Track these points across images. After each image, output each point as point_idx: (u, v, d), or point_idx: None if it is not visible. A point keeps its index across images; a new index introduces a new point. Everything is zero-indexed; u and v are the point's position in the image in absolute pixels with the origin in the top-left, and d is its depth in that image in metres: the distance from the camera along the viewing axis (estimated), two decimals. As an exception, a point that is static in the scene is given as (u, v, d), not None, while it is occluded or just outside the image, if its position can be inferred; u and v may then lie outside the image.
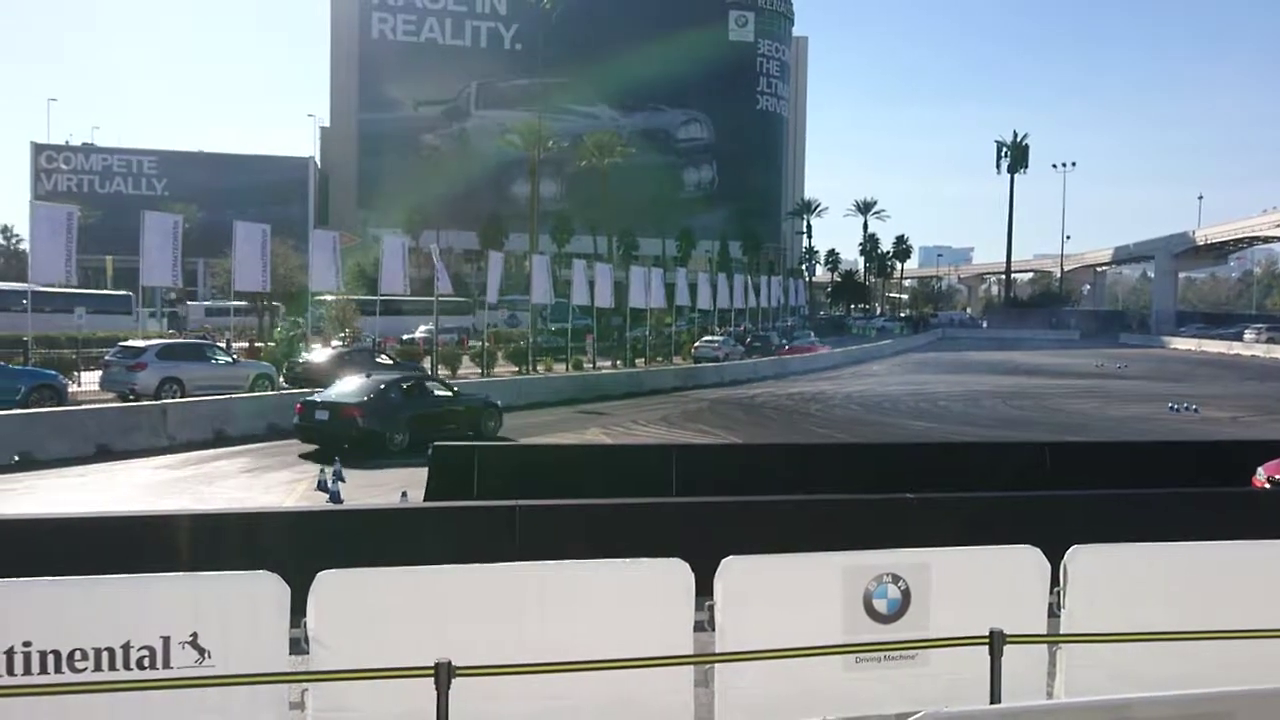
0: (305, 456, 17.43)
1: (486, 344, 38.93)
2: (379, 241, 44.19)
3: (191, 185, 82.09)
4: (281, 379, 27.60)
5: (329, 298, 39.32)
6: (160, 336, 33.80)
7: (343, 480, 14.20)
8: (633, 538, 8.09)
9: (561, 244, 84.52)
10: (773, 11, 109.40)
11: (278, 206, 74.36)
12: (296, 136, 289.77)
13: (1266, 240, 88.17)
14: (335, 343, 34.12)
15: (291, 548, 7.45)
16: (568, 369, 39.38)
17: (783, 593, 5.26)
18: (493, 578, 5.05)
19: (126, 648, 4.40)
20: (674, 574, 5.09)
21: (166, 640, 4.44)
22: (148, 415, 19.02)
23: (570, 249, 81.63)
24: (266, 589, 4.61)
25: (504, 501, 8.81)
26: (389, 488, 14.10)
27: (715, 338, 52.08)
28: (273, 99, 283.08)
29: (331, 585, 4.69)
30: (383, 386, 19.17)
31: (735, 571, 5.20)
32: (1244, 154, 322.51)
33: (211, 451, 17.95)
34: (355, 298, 41.30)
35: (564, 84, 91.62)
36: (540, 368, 39.12)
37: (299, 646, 4.63)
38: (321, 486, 14.11)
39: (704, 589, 5.20)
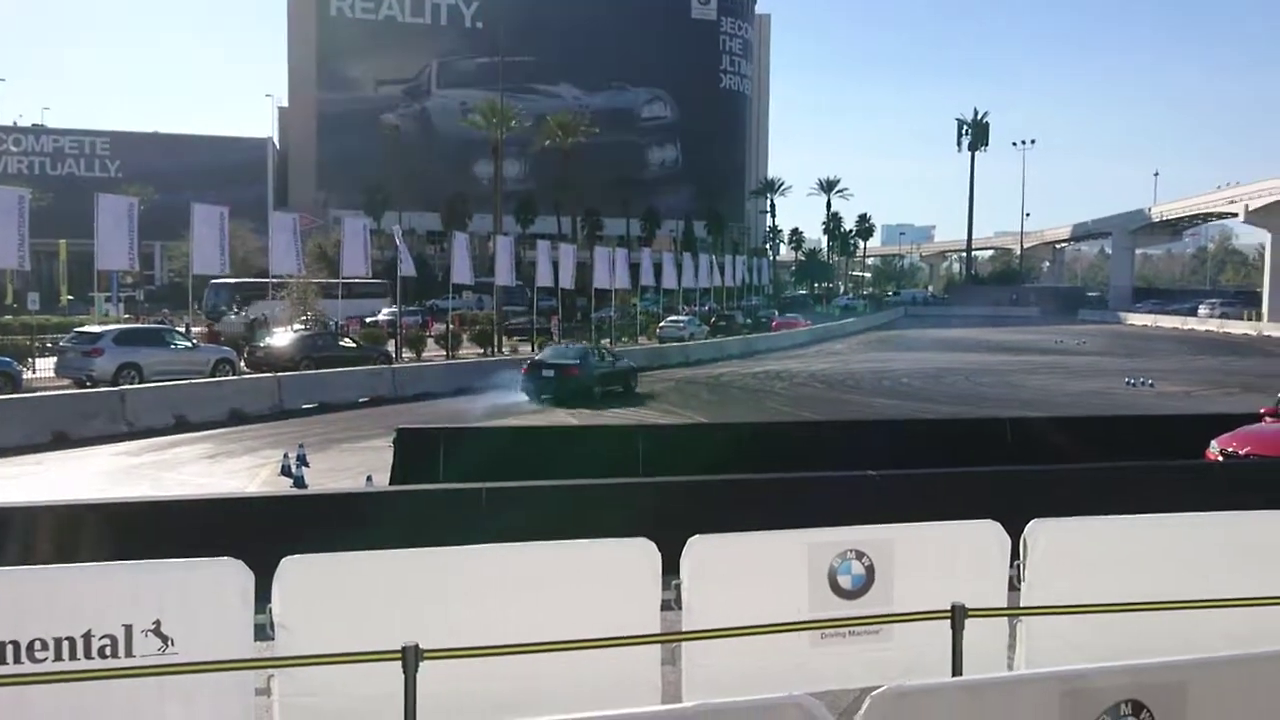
0: (268, 442, 17.27)
1: (451, 326, 38.68)
2: (340, 223, 43.72)
3: (146, 167, 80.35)
4: (243, 364, 27.28)
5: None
6: (118, 322, 33.22)
7: (306, 465, 14.09)
8: (600, 518, 8.10)
9: (525, 225, 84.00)
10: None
11: (236, 188, 73.05)
12: (254, 117, 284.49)
13: (1220, 217, 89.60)
14: (297, 326, 33.72)
15: (255, 533, 7.38)
16: (533, 350, 39.27)
17: (749, 570, 5.30)
18: (460, 560, 5.05)
19: (88, 637, 4.35)
20: (641, 554, 5.11)
21: (129, 629, 4.39)
22: (105, 401, 18.72)
23: (535, 229, 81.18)
24: (230, 575, 4.57)
25: (471, 484, 8.80)
26: (354, 472, 14.02)
27: (680, 318, 52.19)
28: (229, 79, 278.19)
29: (296, 570, 4.66)
30: (584, 352, 26.70)
31: (702, 550, 5.23)
32: (1200, 132, 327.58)
33: (172, 438, 17.71)
34: (317, 280, 40.77)
35: (526, 63, 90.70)
36: (506, 350, 39.00)
37: (264, 633, 4.61)
38: (285, 471, 14.00)
39: (671, 568, 5.23)
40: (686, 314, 55.15)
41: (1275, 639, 5.53)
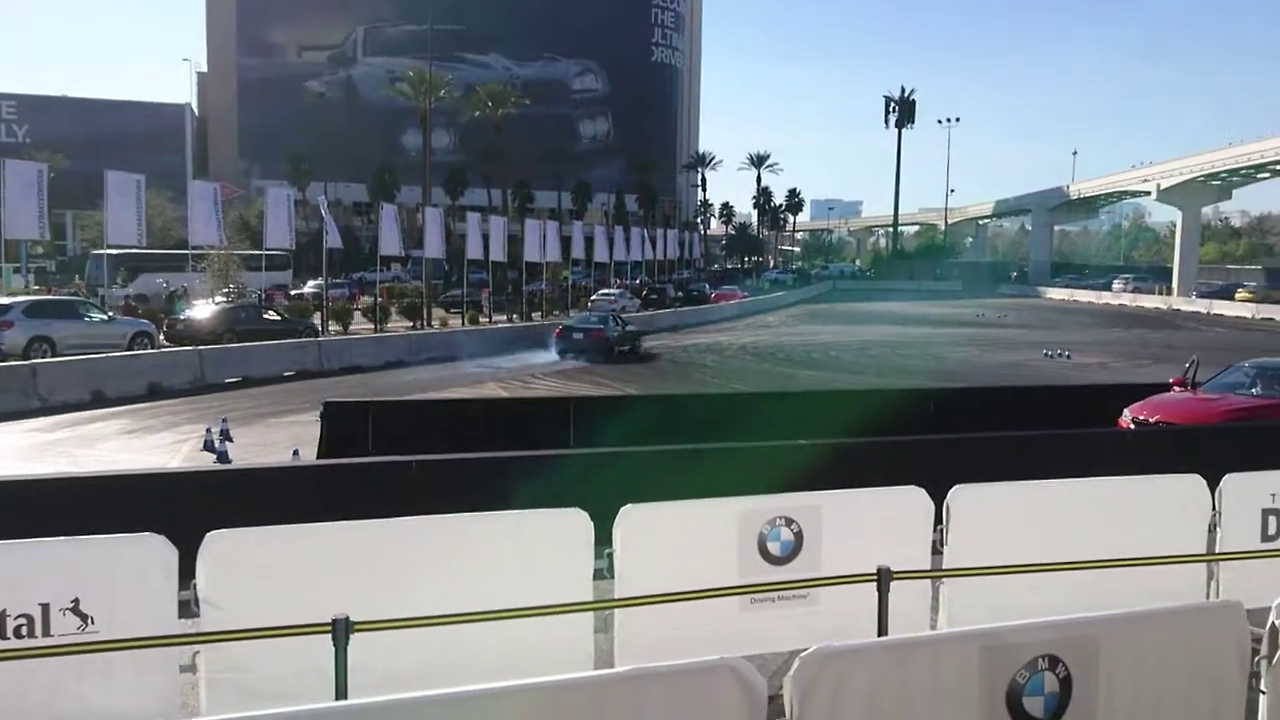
0: (190, 417, 16.83)
1: (379, 299, 38.05)
2: (263, 194, 42.58)
3: (56, 133, 77.09)
4: (162, 337, 26.49)
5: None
6: (27, 294, 31.93)
7: (230, 440, 13.78)
8: (532, 489, 8.11)
9: (455, 197, 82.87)
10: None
11: (152, 156, 70.50)
12: (171, 82, 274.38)
13: (1134, 195, 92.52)
14: (219, 299, 32.82)
15: (179, 510, 7.18)
16: (464, 323, 38.89)
17: (680, 538, 5.35)
18: (389, 532, 5.00)
19: (2, 617, 4.21)
20: (573, 523, 5.12)
21: (45, 608, 4.26)
22: (16, 376, 18.03)
23: (464, 202, 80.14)
24: (152, 552, 4.45)
25: (401, 456, 8.70)
26: (280, 446, 13.75)
27: (612, 291, 52.13)
28: (143, 42, 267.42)
29: (221, 545, 4.57)
30: (604, 319, 31.82)
31: (634, 519, 5.26)
32: (1117, 113, 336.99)
33: (88, 413, 17.15)
34: (240, 252, 39.70)
35: (456, 32, 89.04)
36: (436, 323, 38.54)
37: (190, 610, 4.51)
38: (208, 447, 13.66)
39: (604, 538, 5.27)
40: (618, 288, 55.12)
41: (1178, 594, 5.82)
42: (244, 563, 4.64)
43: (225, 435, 13.84)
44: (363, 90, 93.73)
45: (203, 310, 28.69)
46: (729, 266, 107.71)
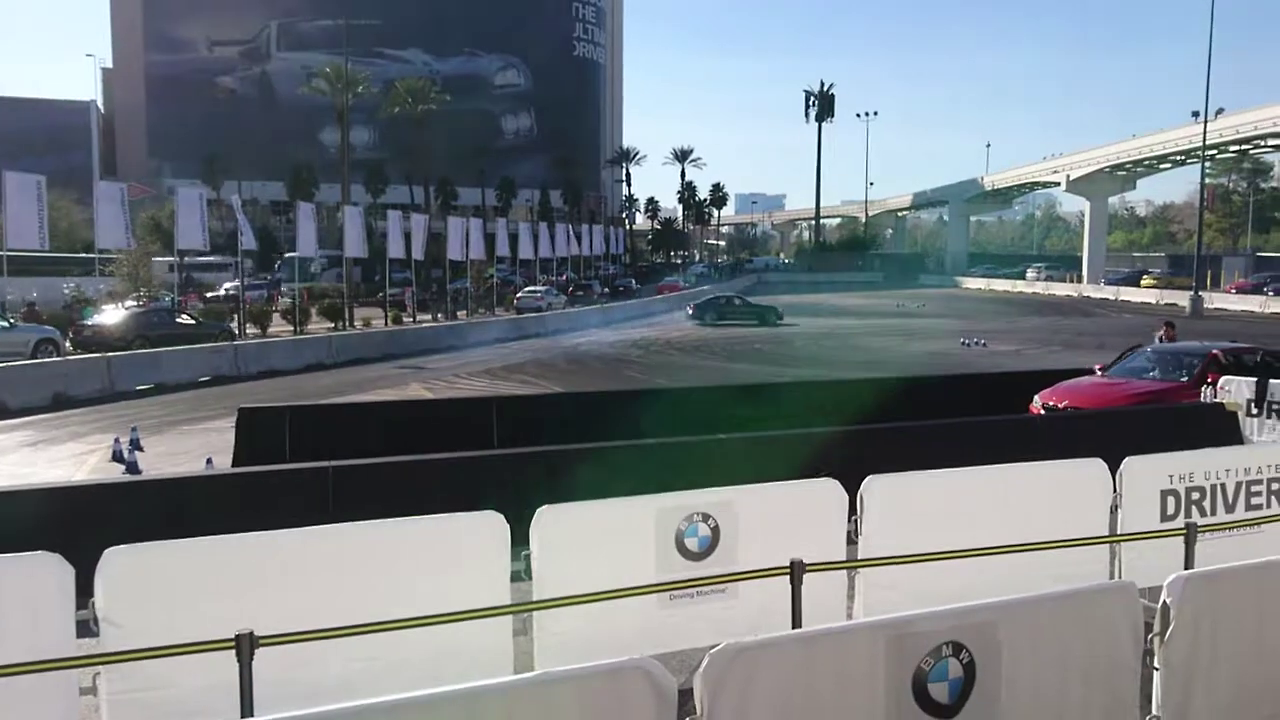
0: (98, 426, 16.25)
1: (300, 300, 37.26)
2: (174, 193, 41.31)
3: (-51, 131, 73.72)
4: (68, 344, 25.54)
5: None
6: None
7: (140, 449, 13.36)
8: (453, 492, 8.03)
9: (376, 194, 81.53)
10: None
11: (55, 155, 68.02)
12: (74, 78, 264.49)
13: (1045, 186, 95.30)
14: (130, 303, 31.76)
15: (84, 525, 6.95)
16: (386, 324, 38.33)
17: (598, 538, 5.35)
18: (302, 542, 4.89)
19: (-117, 645, 4.01)
20: (489, 526, 5.09)
21: (-68, 633, 4.07)
22: (-91, 388, 17.20)
23: (386, 199, 78.91)
24: (45, 571, 4.28)
25: (317, 463, 8.54)
26: (193, 455, 13.37)
27: (538, 288, 51.91)
28: (42, 36, 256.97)
29: (120, 562, 4.42)
30: (719, 299, 44.85)
31: (551, 520, 5.25)
32: (1028, 105, 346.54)
33: (-12, 425, 16.44)
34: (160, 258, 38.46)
35: (373, 27, 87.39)
36: (358, 323, 37.90)
37: (89, 629, 4.36)
38: (117, 457, 13.21)
39: (523, 538, 5.24)
40: (544, 284, 54.88)
41: (1084, 575, 6.01)
42: (146, 579, 4.50)
43: (135, 445, 13.41)
44: (278, 86, 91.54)
45: (111, 315, 27.73)
46: (656, 261, 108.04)
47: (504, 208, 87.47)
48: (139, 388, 20.84)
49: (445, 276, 48.00)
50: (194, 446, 14.15)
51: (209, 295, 43.91)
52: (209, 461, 11.90)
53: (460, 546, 5.03)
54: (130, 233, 33.05)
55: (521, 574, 5.23)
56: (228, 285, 44.79)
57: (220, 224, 54.86)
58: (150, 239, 43.04)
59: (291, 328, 34.43)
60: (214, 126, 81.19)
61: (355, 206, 46.77)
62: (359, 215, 43.08)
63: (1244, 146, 68.97)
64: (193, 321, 29.11)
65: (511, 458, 9.04)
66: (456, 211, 71.12)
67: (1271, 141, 64.71)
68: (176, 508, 7.81)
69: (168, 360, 22.75)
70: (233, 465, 10.93)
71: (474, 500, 5.46)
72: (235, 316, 34.46)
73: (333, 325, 36.64)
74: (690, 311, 43.56)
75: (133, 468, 12.73)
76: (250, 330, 33.04)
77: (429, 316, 43.18)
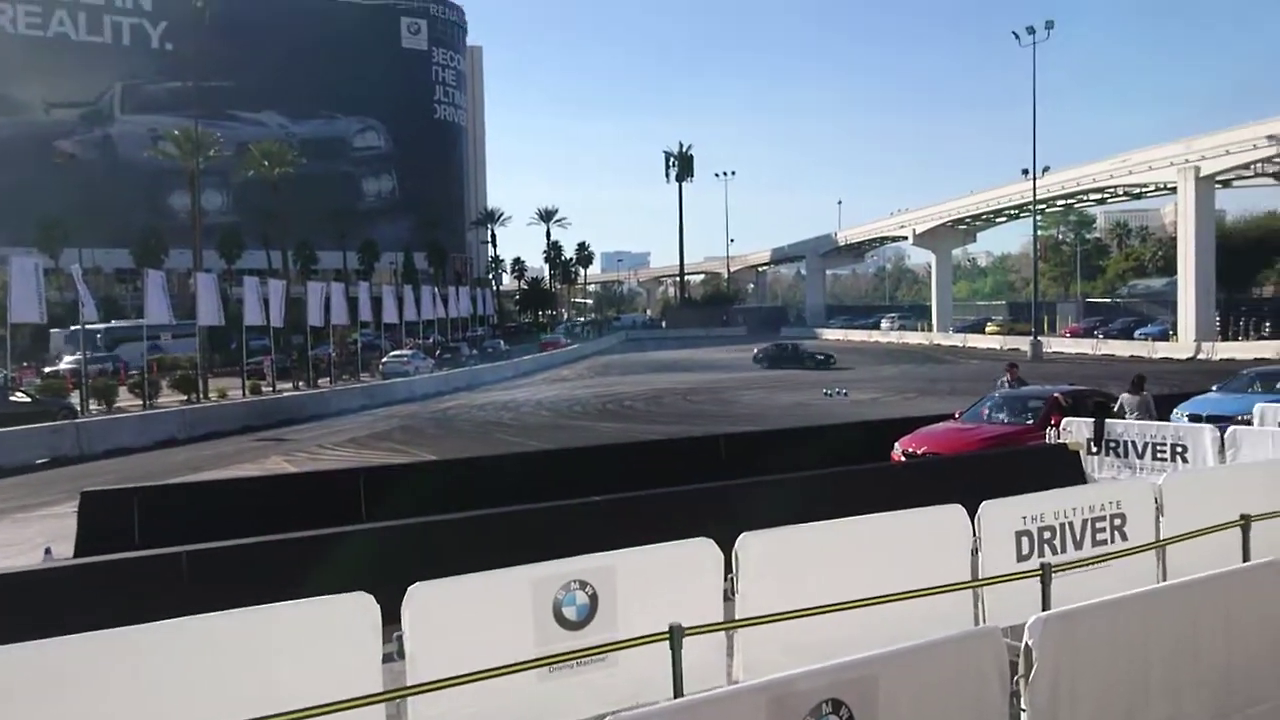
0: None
1: (148, 373, 35.35)
2: (6, 263, 38.86)
3: None
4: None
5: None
6: None
7: (-31, 542, 12.30)
8: (319, 571, 7.68)
9: (231, 260, 78.72)
10: (445, 20, 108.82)
11: None
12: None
13: (895, 239, 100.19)
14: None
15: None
16: (244, 394, 36.77)
17: (473, 613, 5.21)
18: (154, 638, 4.57)
19: None
20: (359, 608, 4.87)
21: None
22: None
23: (242, 264, 76.27)
24: None
25: (170, 549, 8.05)
26: (30, 545, 12.38)
27: (404, 352, 50.89)
28: None
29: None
30: (783, 346, 54.23)
31: (423, 597, 5.08)
32: (877, 164, 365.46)
33: None
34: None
35: (225, 88, 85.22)
36: (214, 395, 36.23)
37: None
38: (-59, 552, 12.12)
39: (395, 618, 5.04)
40: (410, 348, 53.87)
41: (952, 619, 6.21)
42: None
43: (-38, 537, 12.35)
44: (122, 150, 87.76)
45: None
46: (524, 321, 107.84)
47: (367, 271, 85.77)
48: (-34, 474, 19.30)
49: (306, 343, 46.53)
50: (31, 535, 13.14)
51: (47, 370, 41.21)
52: (48, 551, 11.03)
53: (328, 631, 4.80)
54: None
55: (394, 655, 5.03)
56: (68, 359, 42.13)
57: (59, 294, 51.82)
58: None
59: (140, 402, 32.61)
60: (51, 191, 76.87)
61: (208, 273, 44.99)
62: (212, 281, 41.42)
63: (1069, 201, 74.40)
64: (29, 399, 27.23)
65: (380, 531, 8.75)
66: (317, 276, 69.34)
67: (1093, 196, 70.07)
68: (11, 604, 7.21)
69: (1, 441, 21.17)
70: (75, 555, 10.18)
71: (343, 579, 5.24)
72: (78, 391, 32.41)
73: (186, 398, 34.92)
74: (755, 355, 52.54)
75: (-41, 563, 11.70)
76: (94, 406, 31.13)
77: (290, 385, 41.66)
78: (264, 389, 39.13)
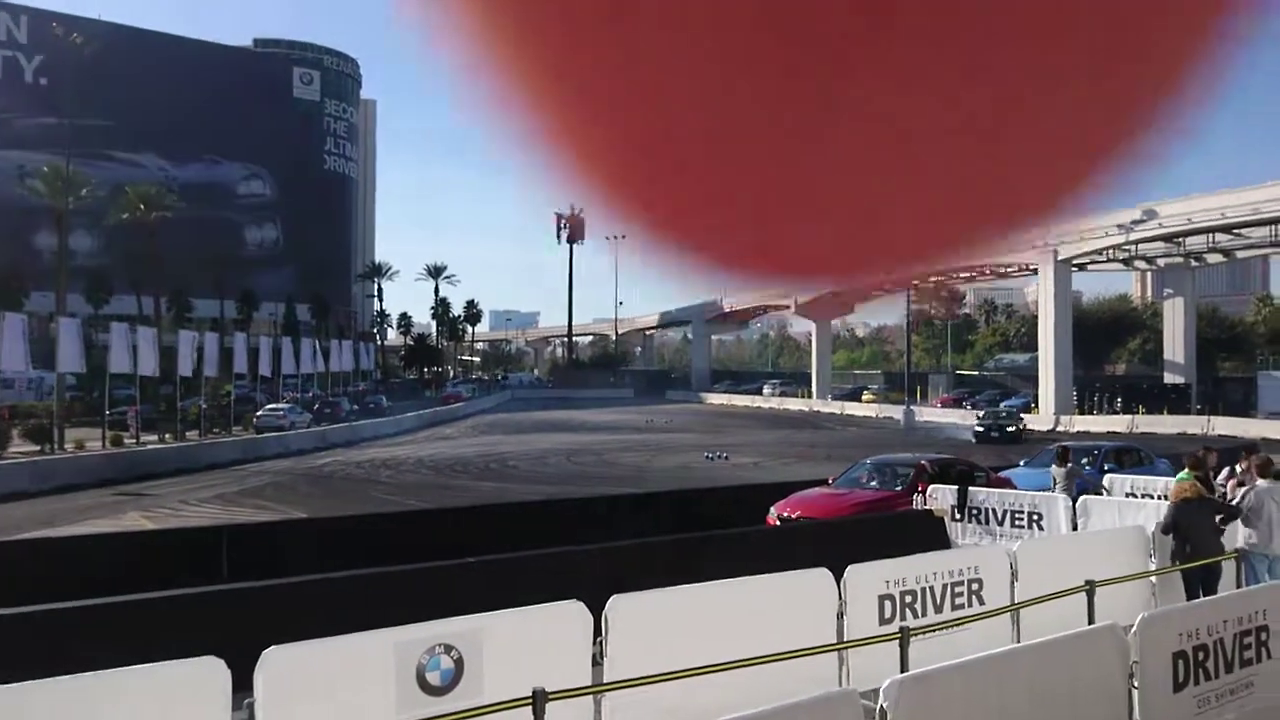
0: None
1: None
2: None
3: None
4: None
5: None
6: None
7: None
8: (172, 637, 7.29)
9: (98, 305, 75.13)
10: (339, 72, 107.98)
11: None
12: None
13: (777, 309, 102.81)
14: None
15: None
16: (104, 445, 34.87)
17: (332, 678, 5.05)
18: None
19: None
20: (209, 675, 4.67)
21: None
22: None
23: (110, 310, 72.87)
24: None
25: (5, 610, 7.52)
26: None
27: (280, 406, 49.24)
28: None
29: None
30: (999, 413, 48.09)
31: (278, 662, 4.89)
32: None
33: None
34: None
35: (102, 127, 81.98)
36: (70, 445, 34.25)
37: None
38: None
39: (247, 684, 4.83)
40: (287, 401, 52.18)
41: (820, 680, 6.33)
42: None
43: None
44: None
45: None
46: (409, 378, 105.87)
47: (245, 321, 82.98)
48: None
49: (176, 393, 44.54)
50: None
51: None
52: None
53: (170, 699, 4.57)
54: None
55: (247, 726, 4.81)
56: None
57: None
58: None
59: (-14, 452, 30.56)
60: (-100, 227, 72.35)
61: (72, 317, 42.82)
62: (75, 326, 39.42)
63: (940, 279, 78.04)
64: None
65: (241, 592, 8.38)
66: (192, 324, 66.70)
67: (962, 274, 73.68)
68: None
69: None
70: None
71: (198, 644, 4.99)
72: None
73: (39, 448, 32.89)
74: (975, 425, 44.14)
75: None
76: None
77: (155, 437, 39.70)
78: (127, 441, 37.21)
